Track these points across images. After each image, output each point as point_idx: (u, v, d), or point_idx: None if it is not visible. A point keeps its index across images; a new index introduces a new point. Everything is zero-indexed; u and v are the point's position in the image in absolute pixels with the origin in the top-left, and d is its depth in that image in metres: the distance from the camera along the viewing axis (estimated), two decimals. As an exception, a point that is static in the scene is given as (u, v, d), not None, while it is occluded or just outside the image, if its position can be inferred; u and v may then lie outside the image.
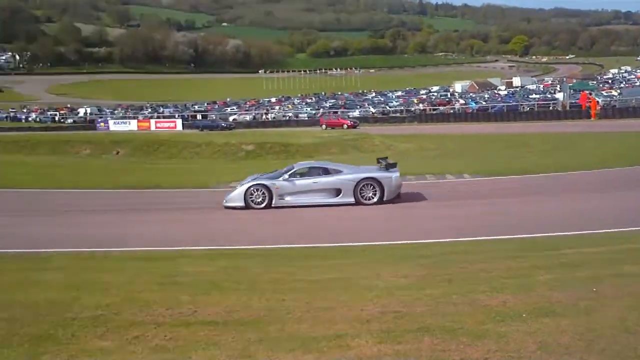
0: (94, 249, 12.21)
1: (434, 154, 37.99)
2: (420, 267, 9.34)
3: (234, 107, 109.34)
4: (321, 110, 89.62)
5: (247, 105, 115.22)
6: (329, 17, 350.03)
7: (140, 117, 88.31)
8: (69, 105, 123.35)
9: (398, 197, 18.09)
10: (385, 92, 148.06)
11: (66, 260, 11.13)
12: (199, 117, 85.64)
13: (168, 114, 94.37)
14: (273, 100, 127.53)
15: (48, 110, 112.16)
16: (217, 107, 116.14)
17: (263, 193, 17.95)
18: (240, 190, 18.19)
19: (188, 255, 11.46)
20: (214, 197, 20.07)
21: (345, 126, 64.48)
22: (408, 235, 13.13)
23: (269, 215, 17.18)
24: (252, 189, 18.00)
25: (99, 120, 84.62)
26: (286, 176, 18.29)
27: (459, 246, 11.50)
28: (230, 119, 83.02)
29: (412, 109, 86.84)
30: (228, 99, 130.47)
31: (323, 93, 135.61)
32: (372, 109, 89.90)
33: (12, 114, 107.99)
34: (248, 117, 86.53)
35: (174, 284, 8.73)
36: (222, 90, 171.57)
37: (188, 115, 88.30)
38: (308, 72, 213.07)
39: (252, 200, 17.90)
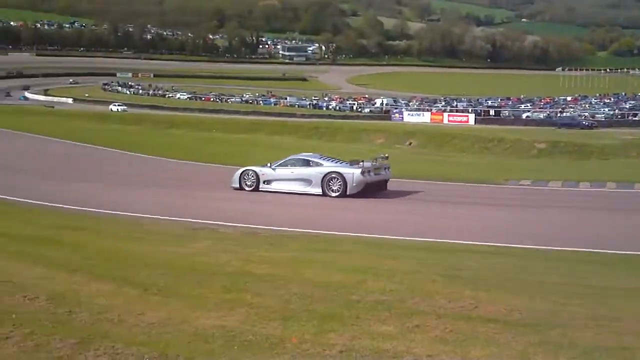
0: (380, 235, 12.59)
1: None
2: None
3: (528, 104, 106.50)
4: (616, 111, 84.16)
5: (542, 103, 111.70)
6: (636, 14, 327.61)
7: (434, 110, 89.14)
8: (366, 96, 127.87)
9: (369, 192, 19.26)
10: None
11: (353, 244, 11.57)
12: (491, 112, 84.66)
13: (461, 108, 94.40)
14: (569, 99, 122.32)
15: (347, 100, 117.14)
16: (510, 103, 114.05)
17: (252, 177, 20.56)
18: (237, 173, 20.87)
19: (473, 250, 11.38)
20: (502, 194, 19.77)
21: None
22: None
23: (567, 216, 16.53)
24: (244, 173, 20.70)
25: (394, 110, 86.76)
26: (272, 165, 20.60)
27: None
28: (523, 116, 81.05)
29: None
30: (522, 96, 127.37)
31: (623, 93, 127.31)
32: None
33: (314, 102, 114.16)
34: (542, 115, 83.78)
35: (456, 278, 8.70)
36: (517, 86, 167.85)
37: (481, 110, 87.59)
38: (608, 70, 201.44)
39: (245, 183, 20.55)
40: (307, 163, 20.12)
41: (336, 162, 20.30)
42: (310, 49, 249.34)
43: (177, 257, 10.04)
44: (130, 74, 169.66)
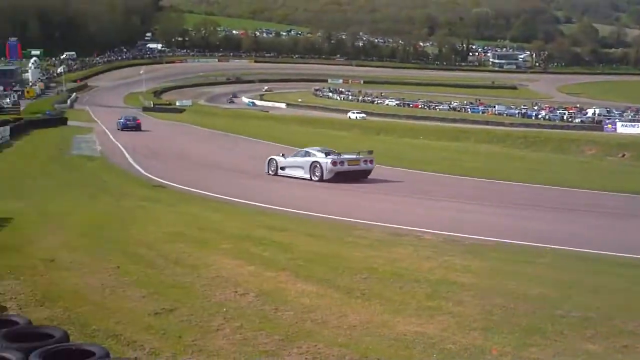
0: (582, 249, 12.04)
1: None
2: None
3: None
4: None
5: None
6: None
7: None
8: (577, 105, 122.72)
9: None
10: None
11: (555, 257, 11.15)
12: None
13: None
14: None
15: (557, 109, 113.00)
16: None
17: (274, 164, 25.46)
18: (266, 161, 25.95)
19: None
20: None
21: None
22: None
23: None
24: (270, 161, 25.72)
25: (607, 121, 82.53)
26: (285, 154, 25.79)
27: None
28: None
29: None
30: None
31: None
32: None
33: (523, 111, 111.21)
34: None
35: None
36: None
37: None
38: None
39: (270, 169, 25.50)
40: (307, 154, 24.60)
41: (326, 155, 23.87)
42: (521, 56, 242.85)
43: (380, 261, 10.22)
44: (340, 80, 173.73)
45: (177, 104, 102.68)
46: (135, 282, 8.87)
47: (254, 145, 42.11)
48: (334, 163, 23.12)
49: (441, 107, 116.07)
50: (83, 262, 10.03)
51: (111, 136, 43.48)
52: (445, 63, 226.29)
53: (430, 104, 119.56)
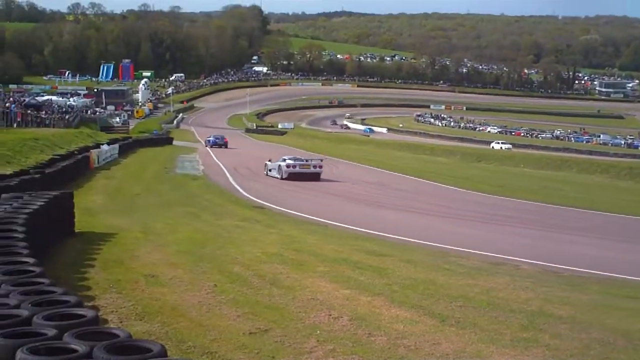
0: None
1: None
2: None
3: None
4: None
5: None
6: None
7: None
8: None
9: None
10: None
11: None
12: None
13: None
14: None
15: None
16: None
17: (266, 167, 33.58)
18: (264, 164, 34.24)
19: None
20: None
21: None
22: None
23: None
24: (265, 165, 33.80)
25: None
26: (272, 161, 33.56)
27: None
28: None
29: None
30: None
31: None
32: None
33: (629, 141, 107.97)
34: None
35: None
36: None
37: None
38: None
39: (267, 171, 33.39)
40: (282, 160, 32.53)
41: (293, 160, 32.51)
42: (630, 85, 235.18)
43: (476, 290, 10.09)
44: (443, 106, 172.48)
45: (279, 126, 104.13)
46: (231, 301, 9.05)
47: (354, 169, 42.29)
48: (287, 166, 31.63)
49: (544, 135, 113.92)
50: (182, 279, 10.30)
51: (214, 157, 44.51)
52: (549, 91, 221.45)
53: (532, 132, 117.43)
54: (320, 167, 32.47)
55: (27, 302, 5.71)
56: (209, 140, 58.49)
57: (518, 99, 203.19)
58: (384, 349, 7.04)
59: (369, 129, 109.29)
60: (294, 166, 31.57)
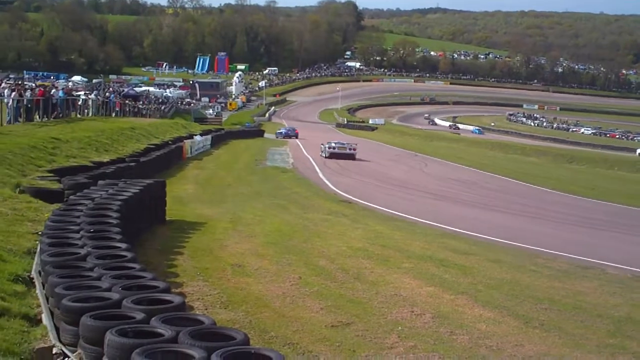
0: None
1: None
2: None
3: None
4: None
5: None
6: None
7: None
8: None
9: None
10: None
11: None
12: None
13: None
14: None
15: None
16: None
17: (322, 148, 41.45)
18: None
19: None
20: None
21: None
22: None
23: None
24: (322, 146, 41.49)
25: None
26: (323, 144, 41.32)
27: None
28: None
29: None
30: None
31: None
32: None
33: None
34: None
35: None
36: None
37: None
38: None
39: (321, 152, 40.94)
40: (328, 143, 40.98)
41: (335, 143, 41.26)
42: None
43: (562, 293, 9.90)
44: (536, 106, 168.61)
45: (370, 122, 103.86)
46: (315, 294, 9.14)
47: (442, 166, 41.90)
48: (329, 147, 39.84)
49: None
50: (268, 270, 10.47)
51: (304, 151, 44.86)
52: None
53: (628, 135, 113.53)
54: (354, 149, 40.25)
55: (118, 286, 5.92)
56: (280, 132, 60.99)
57: (615, 100, 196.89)
58: (465, 348, 7.00)
59: (478, 129, 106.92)
60: (334, 148, 40.12)
